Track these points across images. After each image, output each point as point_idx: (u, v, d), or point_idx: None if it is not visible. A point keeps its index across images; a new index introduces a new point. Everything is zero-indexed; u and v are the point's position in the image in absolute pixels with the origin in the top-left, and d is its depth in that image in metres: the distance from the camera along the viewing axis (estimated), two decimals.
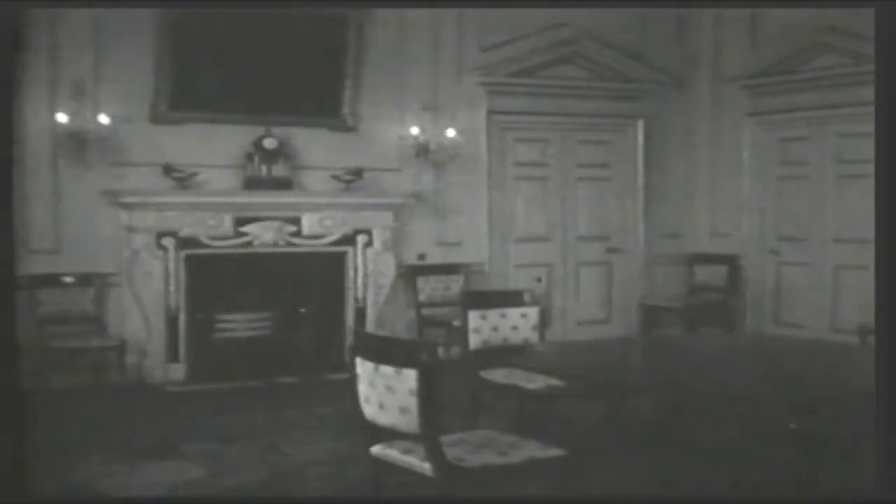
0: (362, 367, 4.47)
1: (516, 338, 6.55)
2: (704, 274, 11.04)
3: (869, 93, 9.76)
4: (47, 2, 8.45)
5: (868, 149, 9.66)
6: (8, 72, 3.67)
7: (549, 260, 10.92)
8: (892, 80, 3.69)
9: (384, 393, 4.35)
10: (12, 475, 3.49)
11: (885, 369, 3.49)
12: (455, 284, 10.04)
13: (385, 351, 4.43)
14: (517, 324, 6.59)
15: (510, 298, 6.84)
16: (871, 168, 9.80)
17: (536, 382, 6.03)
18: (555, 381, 5.93)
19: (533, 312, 6.67)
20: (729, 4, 9.51)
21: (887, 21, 3.73)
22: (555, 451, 4.57)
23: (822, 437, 4.85)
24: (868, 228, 9.79)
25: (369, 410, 4.48)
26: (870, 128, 9.87)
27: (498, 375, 6.37)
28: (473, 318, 6.51)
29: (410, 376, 4.22)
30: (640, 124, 11.11)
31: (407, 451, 4.45)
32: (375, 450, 4.60)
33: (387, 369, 4.32)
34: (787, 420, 4.38)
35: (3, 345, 3.50)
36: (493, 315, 6.55)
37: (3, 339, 3.49)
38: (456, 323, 7.43)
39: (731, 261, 10.86)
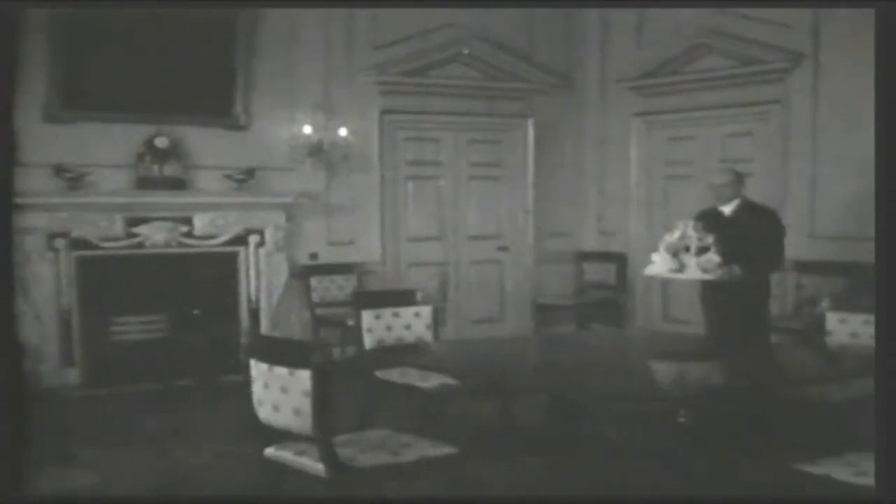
0: (256, 368, 4.46)
1: (410, 337, 6.57)
2: (594, 272, 11.22)
3: (751, 93, 10.08)
4: (47, 2, 8.28)
5: (750, 148, 9.99)
6: (8, 71, 3.61)
7: (442, 258, 10.98)
8: (892, 80, 3.77)
9: (278, 394, 4.34)
10: (11, 475, 3.46)
11: (885, 369, 3.57)
12: (348, 284, 10.03)
13: (279, 352, 4.43)
14: (410, 323, 6.61)
15: (403, 297, 6.87)
16: (753, 167, 10.13)
17: (431, 381, 6.07)
18: (449, 380, 5.97)
19: (426, 311, 6.71)
20: (714, 4, 9.59)
21: (887, 21, 3.80)
22: (447, 450, 4.61)
23: (710, 431, 4.97)
24: None
25: (264, 412, 4.47)
26: (752, 127, 10.19)
27: (393, 375, 6.38)
28: (367, 317, 6.52)
29: (304, 377, 4.22)
30: (530, 124, 11.23)
31: (300, 453, 4.44)
32: (269, 451, 4.58)
33: (281, 370, 4.31)
34: (675, 414, 4.47)
35: (3, 346, 3.47)
36: (387, 314, 6.56)
37: (3, 339, 3.47)
38: (350, 323, 7.42)
39: (619, 259, 11.04)
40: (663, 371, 5.78)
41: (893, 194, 3.70)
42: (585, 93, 11.40)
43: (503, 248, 11.23)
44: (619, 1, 10.80)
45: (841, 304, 6.37)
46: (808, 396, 5.50)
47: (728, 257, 6.41)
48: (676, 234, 6.45)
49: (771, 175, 9.79)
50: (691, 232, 6.40)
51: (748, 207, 7.11)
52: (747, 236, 6.74)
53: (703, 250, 6.37)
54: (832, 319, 6.17)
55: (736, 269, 6.49)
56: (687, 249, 6.39)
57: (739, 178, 7.13)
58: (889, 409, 3.52)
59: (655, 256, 6.54)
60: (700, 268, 6.34)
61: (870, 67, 9.13)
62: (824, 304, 6.63)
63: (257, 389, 4.47)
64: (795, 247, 9.54)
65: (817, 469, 4.26)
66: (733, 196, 7.06)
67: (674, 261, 6.42)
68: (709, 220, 6.75)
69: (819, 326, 6.33)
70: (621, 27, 11.02)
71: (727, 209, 7.05)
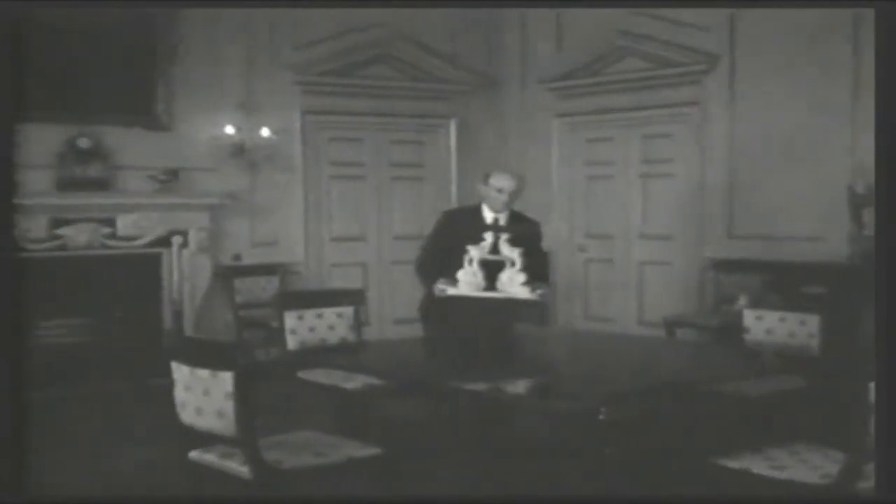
0: (178, 371, 4.42)
1: (333, 337, 6.56)
2: None
3: (669, 95, 10.24)
4: (47, 1, 8.10)
5: (669, 149, 10.14)
6: (8, 72, 3.56)
7: (365, 259, 10.97)
8: (892, 80, 3.81)
9: (201, 397, 4.30)
10: (12, 475, 3.41)
11: (885, 368, 3.61)
12: (272, 285, 9.97)
13: (200, 354, 4.39)
14: (333, 323, 6.60)
15: (326, 298, 6.86)
16: (672, 168, 10.29)
17: (355, 382, 6.07)
18: (373, 381, 5.97)
19: (349, 312, 6.70)
20: (717, 4, 9.58)
21: (887, 21, 3.84)
22: (373, 451, 4.62)
23: (636, 427, 5.03)
24: (670, 225, 10.28)
25: (186, 415, 4.43)
26: (670, 129, 10.36)
27: (317, 376, 6.36)
28: (289, 318, 6.49)
29: (227, 379, 4.19)
30: (453, 124, 11.28)
31: (225, 456, 4.42)
32: (193, 455, 4.55)
33: (203, 372, 4.28)
34: (596, 412, 4.52)
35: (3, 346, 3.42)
36: (309, 315, 6.55)
37: (3, 340, 3.42)
38: (274, 324, 7.40)
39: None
40: (583, 368, 5.84)
41: (893, 194, 3.75)
42: (507, 94, 11.46)
43: None
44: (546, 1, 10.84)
45: (757, 301, 6.50)
46: (725, 392, 5.59)
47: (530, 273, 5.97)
48: (486, 247, 5.94)
49: (689, 176, 9.95)
50: (503, 246, 5.91)
51: (516, 217, 6.46)
52: (527, 248, 6.08)
53: (510, 265, 5.90)
54: (749, 317, 6.29)
55: (546, 287, 6.09)
56: (491, 265, 5.90)
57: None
58: (889, 409, 3.58)
59: (462, 274, 5.96)
60: (511, 285, 5.85)
61: (784, 68, 9.35)
62: (741, 301, 6.74)
63: (179, 392, 4.44)
64: (713, 246, 9.74)
65: (735, 463, 4.35)
66: (513, 204, 6.42)
67: (483, 278, 5.91)
68: (477, 228, 6.20)
69: (736, 324, 6.45)
70: (541, 28, 11.10)
71: (502, 218, 6.36)
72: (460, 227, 6.34)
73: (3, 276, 3.66)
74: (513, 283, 5.89)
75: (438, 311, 6.34)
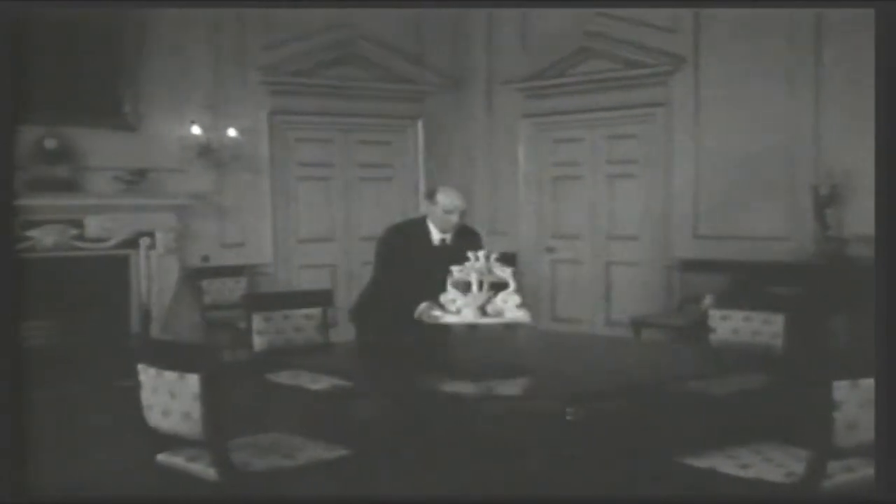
0: (145, 373, 4.40)
1: (301, 339, 6.55)
2: None
3: (635, 96, 10.29)
4: (47, 1, 8.03)
5: (635, 149, 10.19)
6: (8, 73, 3.52)
7: (333, 260, 10.96)
8: (893, 79, 3.82)
9: (167, 399, 4.28)
10: (13, 475, 3.38)
11: (885, 368, 3.62)
12: (240, 286, 9.94)
13: (167, 356, 4.37)
14: (301, 325, 6.58)
15: (293, 299, 6.84)
16: (638, 168, 10.33)
17: (322, 383, 6.05)
18: (341, 382, 5.96)
19: (316, 313, 6.68)
20: (711, 5, 9.50)
21: (887, 21, 3.85)
22: (340, 452, 4.62)
23: (598, 427, 5.05)
24: (637, 226, 10.32)
25: (153, 417, 4.41)
26: (637, 129, 10.41)
27: (284, 377, 6.34)
28: (257, 320, 6.47)
29: (193, 381, 4.17)
30: (420, 125, 11.29)
31: (192, 458, 4.39)
32: (160, 458, 4.53)
33: (170, 375, 4.25)
34: (563, 412, 4.53)
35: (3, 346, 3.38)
36: (277, 317, 6.52)
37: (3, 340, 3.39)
38: (242, 325, 7.37)
39: (509, 259, 11.08)
40: (550, 368, 5.85)
41: (893, 194, 3.78)
42: (474, 94, 11.47)
43: None
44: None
45: (723, 301, 6.52)
46: (691, 392, 5.62)
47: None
48: (478, 267, 5.42)
49: (656, 176, 10.00)
50: (494, 266, 5.45)
51: (458, 231, 6.31)
52: None
53: (500, 287, 5.46)
54: (715, 316, 6.31)
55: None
56: (481, 285, 5.41)
57: None
58: (889, 409, 3.60)
59: (455, 299, 5.42)
60: (508, 308, 5.39)
61: (749, 69, 9.41)
62: (707, 301, 6.77)
63: (146, 394, 4.41)
64: (680, 246, 9.79)
65: (701, 462, 4.37)
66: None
67: (482, 301, 5.40)
68: (426, 248, 6.12)
69: (702, 323, 6.48)
70: (508, 29, 11.12)
71: (449, 237, 6.25)
72: (408, 245, 6.22)
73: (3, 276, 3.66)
74: (509, 305, 5.51)
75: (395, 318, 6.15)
